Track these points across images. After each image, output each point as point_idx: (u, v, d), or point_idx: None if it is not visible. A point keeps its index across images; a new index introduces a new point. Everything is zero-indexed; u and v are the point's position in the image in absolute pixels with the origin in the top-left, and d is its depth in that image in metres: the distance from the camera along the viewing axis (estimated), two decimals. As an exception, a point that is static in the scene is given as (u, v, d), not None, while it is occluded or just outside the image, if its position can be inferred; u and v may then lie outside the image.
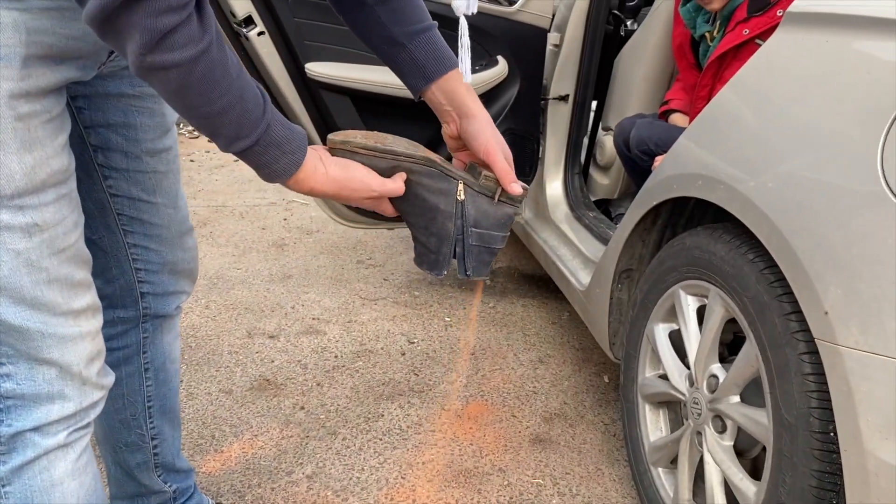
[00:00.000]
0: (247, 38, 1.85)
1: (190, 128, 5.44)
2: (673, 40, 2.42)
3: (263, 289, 2.82)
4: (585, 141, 2.72)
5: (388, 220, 2.40)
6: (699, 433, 1.43)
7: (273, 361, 2.29)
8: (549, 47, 2.42)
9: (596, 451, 1.92)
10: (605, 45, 2.53)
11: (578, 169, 2.55)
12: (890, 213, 1.01)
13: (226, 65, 0.77)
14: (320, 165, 0.89)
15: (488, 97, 2.24)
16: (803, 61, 1.26)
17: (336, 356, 2.34)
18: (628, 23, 2.80)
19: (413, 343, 2.45)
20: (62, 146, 0.89)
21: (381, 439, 1.92)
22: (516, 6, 2.25)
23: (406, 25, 1.00)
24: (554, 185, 2.54)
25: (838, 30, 1.20)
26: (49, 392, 0.92)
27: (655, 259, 1.62)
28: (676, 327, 1.57)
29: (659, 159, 2.00)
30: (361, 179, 0.92)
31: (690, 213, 1.69)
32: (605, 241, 2.14)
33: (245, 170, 4.50)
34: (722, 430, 1.38)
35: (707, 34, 2.22)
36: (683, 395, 1.50)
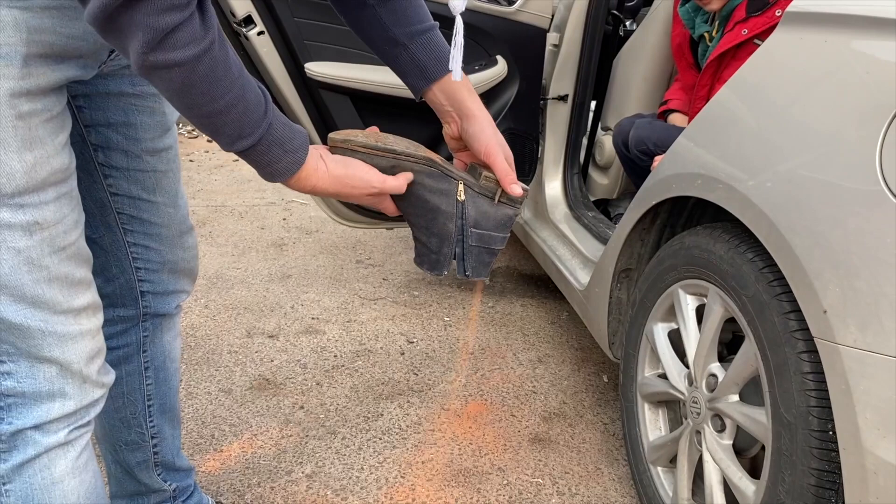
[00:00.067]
0: (246, 38, 1.86)
1: (189, 128, 5.44)
2: (672, 40, 2.42)
3: (263, 288, 2.82)
4: (584, 141, 2.72)
5: (388, 219, 2.40)
6: (698, 432, 1.44)
7: (272, 361, 2.29)
8: (548, 47, 2.43)
9: (595, 450, 1.92)
10: (604, 45, 2.53)
11: (577, 169, 2.55)
12: (888, 211, 1.02)
13: (228, 63, 0.78)
14: (321, 164, 0.90)
15: (487, 97, 2.24)
16: (802, 61, 1.26)
17: (335, 356, 2.34)
18: (627, 23, 2.80)
19: (412, 343, 2.45)
20: (63, 145, 0.89)
21: (380, 438, 1.92)
22: (515, 6, 2.25)
23: (407, 26, 1.00)
24: (553, 185, 2.54)
25: (837, 30, 1.20)
26: (50, 390, 0.92)
27: (654, 258, 1.62)
28: (675, 326, 1.58)
29: (658, 159, 2.00)
30: (362, 177, 0.92)
31: (689, 213, 1.70)
32: (604, 240, 2.14)
33: (244, 170, 4.51)
34: (721, 429, 1.38)
35: (706, 34, 2.22)
36: (683, 394, 1.50)
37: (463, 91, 1.01)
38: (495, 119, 2.27)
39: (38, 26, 0.82)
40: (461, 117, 1.02)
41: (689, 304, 1.50)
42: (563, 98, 2.47)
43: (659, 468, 1.62)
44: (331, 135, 0.95)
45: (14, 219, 0.84)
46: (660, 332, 1.61)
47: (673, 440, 1.55)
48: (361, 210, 2.32)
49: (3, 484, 0.93)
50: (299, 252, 3.22)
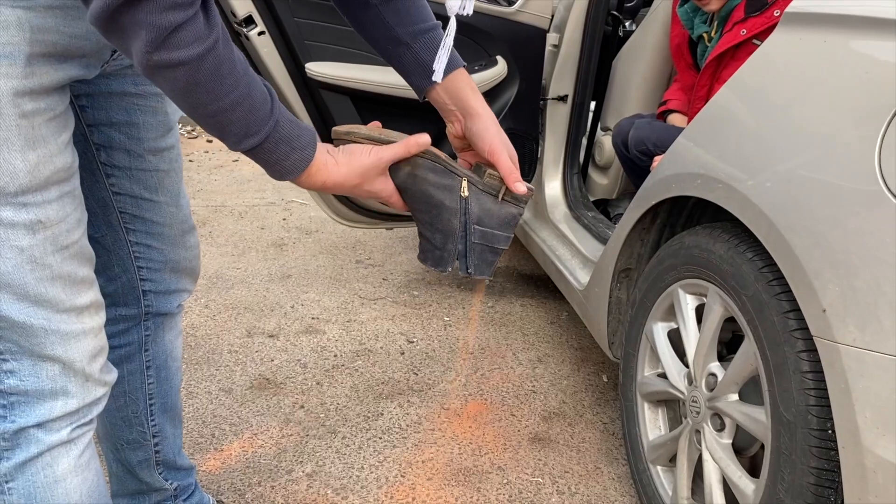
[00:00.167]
0: (247, 38, 1.86)
1: (189, 128, 5.44)
2: (671, 41, 2.43)
3: (263, 288, 2.82)
4: (584, 141, 2.72)
5: (388, 220, 2.41)
6: (698, 431, 1.44)
7: (273, 360, 2.29)
8: (548, 48, 2.43)
9: (595, 449, 1.93)
10: (603, 45, 2.54)
11: (577, 169, 2.55)
12: (887, 211, 1.02)
13: (233, 61, 0.78)
14: (330, 158, 0.89)
15: (488, 97, 2.23)
16: (801, 61, 1.27)
17: (335, 355, 2.34)
18: (627, 23, 2.81)
19: (412, 342, 2.45)
20: (66, 144, 0.89)
21: (380, 438, 1.93)
22: (515, 6, 2.26)
23: (410, 25, 1.00)
24: (553, 185, 2.54)
25: (836, 30, 1.21)
26: (52, 388, 0.93)
27: (654, 258, 1.63)
28: (675, 326, 1.58)
29: (657, 159, 2.01)
30: (364, 162, 0.91)
31: (689, 213, 1.70)
32: (603, 240, 2.15)
33: (244, 170, 4.51)
34: (721, 429, 1.38)
35: (705, 35, 2.23)
36: (682, 393, 1.51)
37: (467, 90, 1.02)
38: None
39: (42, 26, 0.82)
40: (465, 116, 1.02)
41: (688, 303, 1.51)
42: (562, 98, 2.48)
43: (658, 467, 1.63)
44: (335, 128, 0.96)
45: (17, 217, 0.84)
46: (659, 331, 1.62)
47: (672, 439, 1.55)
48: (362, 210, 2.33)
49: (6, 482, 0.94)
50: (299, 252, 3.23)
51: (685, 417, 1.50)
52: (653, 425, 1.67)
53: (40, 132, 0.85)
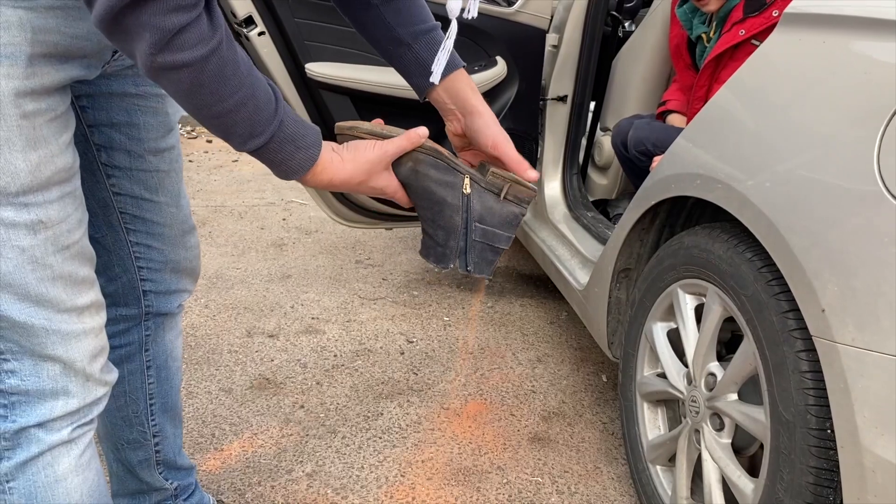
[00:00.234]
0: (247, 38, 1.86)
1: (188, 128, 5.44)
2: (670, 41, 2.43)
3: (263, 288, 2.82)
4: (584, 141, 2.73)
5: (387, 219, 2.41)
6: (697, 431, 1.44)
7: (272, 360, 2.29)
8: (547, 48, 2.43)
9: (594, 449, 1.93)
10: (603, 46, 2.54)
11: (577, 169, 2.56)
12: (886, 211, 1.02)
13: (237, 63, 0.78)
14: (335, 156, 0.89)
15: (487, 97, 2.24)
16: (800, 62, 1.27)
17: (335, 355, 2.35)
18: (626, 24, 2.81)
19: (412, 342, 2.46)
20: (66, 144, 0.89)
21: (380, 438, 1.93)
22: (515, 7, 2.26)
23: (411, 25, 1.00)
24: (552, 186, 2.55)
25: (835, 30, 1.21)
26: (53, 388, 0.93)
27: (654, 258, 1.63)
28: (674, 326, 1.58)
29: (657, 160, 2.01)
30: (368, 157, 0.91)
31: (688, 213, 1.70)
32: (603, 240, 2.15)
33: (244, 170, 4.51)
34: (720, 428, 1.39)
35: (703, 35, 2.23)
36: (682, 393, 1.51)
37: (467, 90, 1.02)
38: (495, 119, 2.28)
39: (43, 26, 0.83)
40: (465, 114, 1.03)
41: (688, 303, 1.51)
42: (562, 99, 2.48)
43: (658, 467, 1.63)
44: (338, 123, 0.96)
45: (18, 217, 0.85)
46: (659, 331, 1.62)
47: (672, 439, 1.55)
48: (361, 210, 2.33)
49: (7, 482, 0.94)
50: (299, 252, 3.23)
51: (684, 417, 1.50)
52: (652, 425, 1.68)
53: (41, 132, 0.85)
